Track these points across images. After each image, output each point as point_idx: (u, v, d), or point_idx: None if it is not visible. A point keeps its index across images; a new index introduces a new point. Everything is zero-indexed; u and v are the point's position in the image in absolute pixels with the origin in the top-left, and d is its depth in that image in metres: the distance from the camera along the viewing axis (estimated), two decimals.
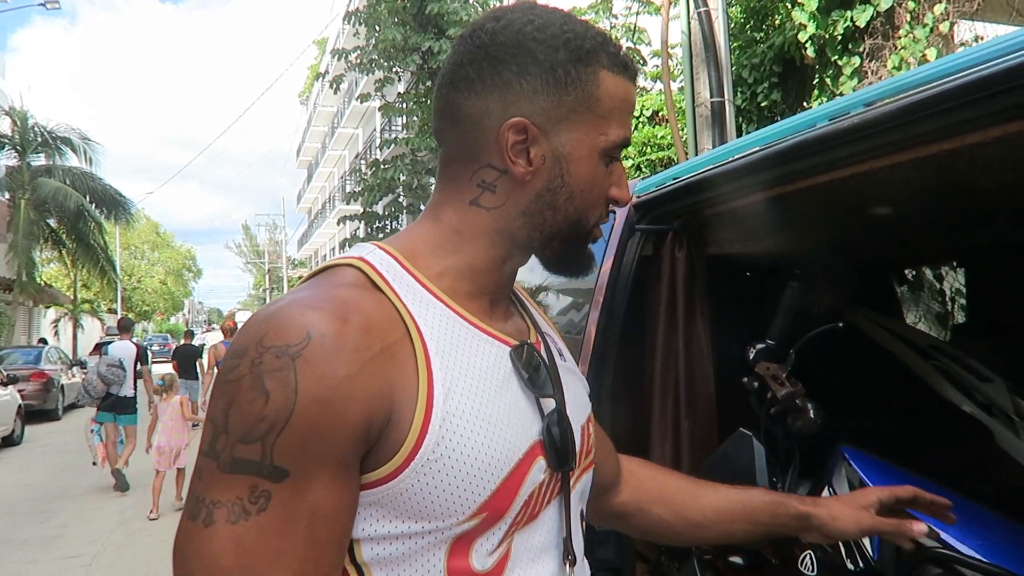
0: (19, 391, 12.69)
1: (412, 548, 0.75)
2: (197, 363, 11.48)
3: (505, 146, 0.82)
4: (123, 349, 7.92)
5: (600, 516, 1.16)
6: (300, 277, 0.84)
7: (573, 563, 0.86)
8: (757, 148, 1.57)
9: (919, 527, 1.09)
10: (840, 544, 1.41)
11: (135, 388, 8.26)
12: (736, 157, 1.62)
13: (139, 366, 8.27)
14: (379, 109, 15.73)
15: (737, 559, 1.70)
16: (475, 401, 0.77)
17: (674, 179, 1.82)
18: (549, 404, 0.85)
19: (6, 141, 22.74)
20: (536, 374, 0.85)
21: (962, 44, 5.62)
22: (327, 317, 0.72)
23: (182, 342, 9.97)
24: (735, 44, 7.05)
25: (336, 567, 0.73)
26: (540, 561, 0.83)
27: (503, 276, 0.90)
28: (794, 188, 1.57)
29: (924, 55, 5.48)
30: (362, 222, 16.05)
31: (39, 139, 23.06)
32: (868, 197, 1.78)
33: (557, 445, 0.83)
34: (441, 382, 0.75)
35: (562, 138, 0.83)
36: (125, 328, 8.63)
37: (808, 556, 1.46)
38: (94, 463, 8.20)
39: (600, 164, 0.85)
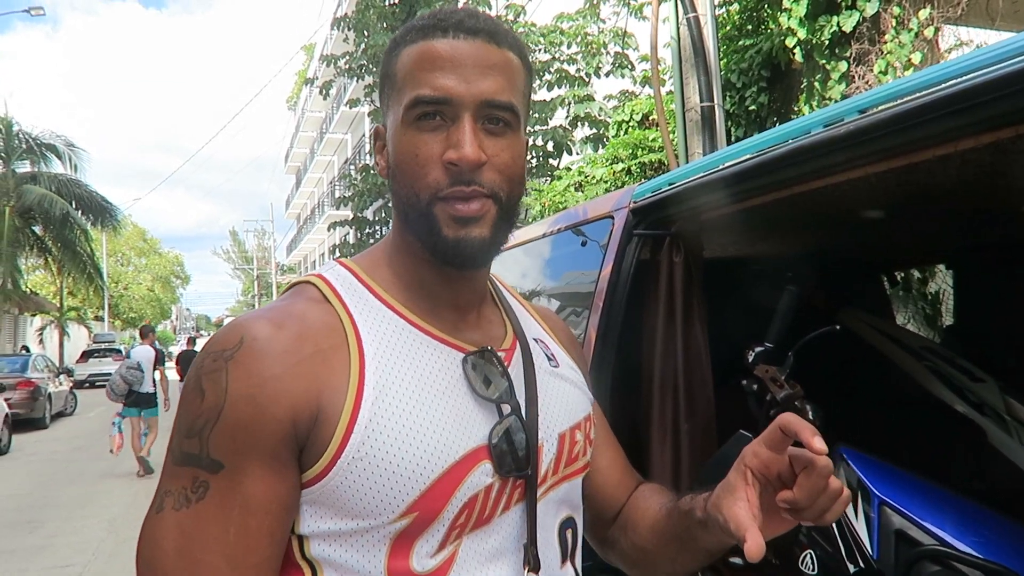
0: (5, 400, 12.59)
1: (353, 546, 0.79)
2: None
3: (374, 152, 0.91)
4: (143, 352, 9.08)
5: (596, 543, 1.11)
6: (289, 283, 0.88)
7: (537, 568, 0.85)
8: (753, 154, 1.59)
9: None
10: (840, 543, 1.43)
11: (154, 386, 9.35)
12: (732, 163, 1.64)
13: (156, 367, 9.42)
14: (368, 114, 15.76)
15: (737, 560, 1.72)
16: (409, 404, 0.79)
17: (670, 184, 1.85)
18: (505, 411, 0.85)
19: None
20: (496, 381, 0.86)
21: (949, 50, 5.69)
22: (262, 324, 0.79)
23: (185, 347, 10.51)
24: (723, 48, 7.11)
25: (270, 557, 0.77)
26: (493, 566, 0.83)
27: (448, 285, 0.90)
28: (789, 193, 1.60)
29: (910, 59, 5.54)
30: (352, 227, 16.03)
31: (24, 146, 22.90)
32: (861, 201, 1.81)
33: (506, 450, 0.83)
34: (372, 385, 0.79)
35: (387, 127, 0.88)
36: (145, 334, 9.76)
37: (808, 555, 1.48)
38: (111, 451, 9.59)
39: (408, 132, 0.83)
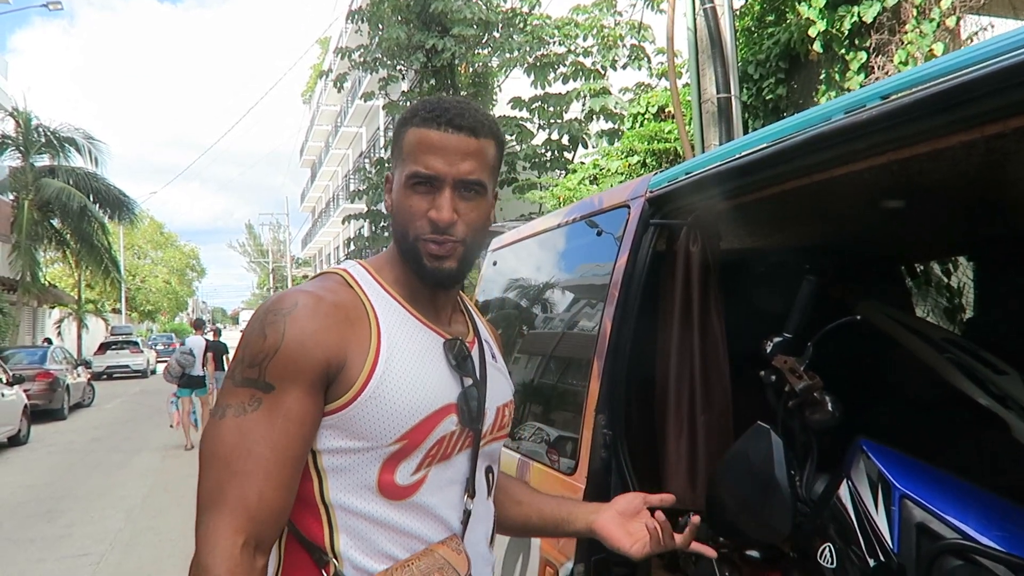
0: (25, 391, 12.69)
1: (357, 461, 1.10)
2: (224, 357, 12.09)
3: (384, 191, 1.27)
4: (195, 342, 11.06)
5: None
6: (305, 276, 1.15)
7: (472, 496, 1.21)
8: (772, 142, 1.56)
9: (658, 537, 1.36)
10: (860, 537, 1.41)
11: (204, 370, 11.09)
12: (750, 151, 1.62)
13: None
14: (383, 108, 15.74)
15: (754, 553, 1.70)
16: (408, 365, 1.13)
17: (687, 174, 1.82)
18: (468, 382, 1.20)
19: (10, 142, 22.77)
20: (463, 361, 1.20)
21: (970, 38, 5.60)
22: (309, 296, 1.12)
23: (211, 338, 11.99)
24: (741, 39, 7.04)
25: (300, 455, 1.08)
26: (448, 490, 1.18)
27: (429, 290, 1.22)
28: (809, 182, 1.57)
29: (931, 50, 5.46)
30: (367, 220, 16.07)
31: (42, 139, 23.07)
32: (882, 190, 1.78)
33: (466, 408, 1.17)
34: (386, 348, 1.12)
35: (393, 179, 1.22)
36: (198, 326, 11.90)
37: (827, 549, 1.46)
38: (171, 426, 11.35)
39: (406, 191, 1.17)
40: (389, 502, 1.12)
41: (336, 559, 1.10)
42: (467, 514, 1.20)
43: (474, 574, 1.19)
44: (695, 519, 1.38)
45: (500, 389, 1.30)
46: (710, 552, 1.43)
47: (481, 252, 1.28)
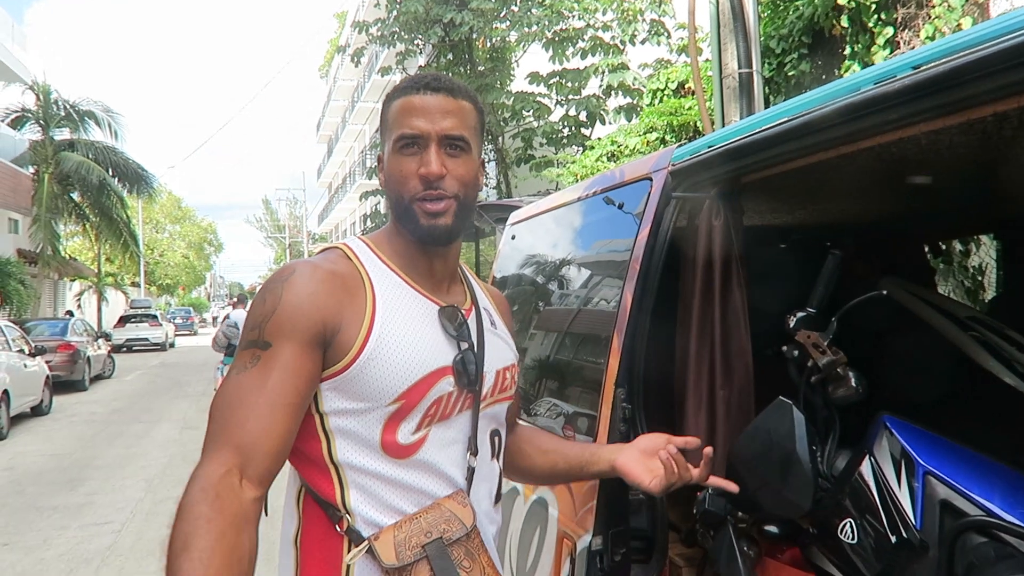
0: (47, 362, 12.87)
1: (359, 423, 1.18)
2: None
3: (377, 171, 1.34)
4: (239, 315, 11.21)
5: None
6: (321, 248, 1.22)
7: (476, 453, 1.27)
8: (799, 113, 1.54)
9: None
10: (882, 513, 1.40)
11: None
12: (777, 123, 1.59)
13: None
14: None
15: (772, 528, 1.70)
16: (403, 330, 1.20)
17: (709, 147, 1.80)
18: (464, 346, 1.26)
19: (29, 115, 22.90)
20: (459, 328, 1.26)
21: (1000, 14, 5.47)
22: (307, 265, 1.22)
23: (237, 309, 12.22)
24: (765, 14, 6.91)
25: (293, 404, 1.13)
26: (451, 448, 1.24)
27: (426, 260, 1.29)
28: (836, 154, 1.54)
29: (959, 24, 5.34)
30: (383, 196, 16.03)
31: (62, 113, 23.19)
32: (909, 164, 1.75)
33: (463, 371, 1.23)
34: (381, 314, 1.19)
35: (384, 154, 1.29)
36: (242, 300, 12.00)
37: (848, 524, 1.45)
38: (214, 389, 10.77)
39: (394, 157, 1.24)
40: (393, 460, 1.19)
41: (348, 515, 1.17)
42: (471, 471, 1.26)
43: (480, 528, 1.25)
44: (708, 451, 1.40)
45: (499, 353, 1.36)
46: (731, 487, 1.46)
47: (474, 213, 1.39)
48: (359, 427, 1.17)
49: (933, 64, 1.27)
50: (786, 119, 1.56)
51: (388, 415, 1.17)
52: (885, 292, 1.57)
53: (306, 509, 1.21)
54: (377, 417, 1.17)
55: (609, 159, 9.10)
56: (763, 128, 1.62)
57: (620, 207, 2.06)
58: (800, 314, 1.58)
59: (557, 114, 13.93)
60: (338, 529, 1.17)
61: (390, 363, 1.16)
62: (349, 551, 1.16)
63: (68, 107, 23.28)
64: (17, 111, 23.03)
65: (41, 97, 22.78)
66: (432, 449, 1.21)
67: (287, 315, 1.14)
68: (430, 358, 1.21)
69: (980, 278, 4.38)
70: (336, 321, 1.16)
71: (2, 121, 22.64)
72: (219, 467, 1.06)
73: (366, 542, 1.15)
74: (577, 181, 9.14)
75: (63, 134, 23.64)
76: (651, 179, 1.95)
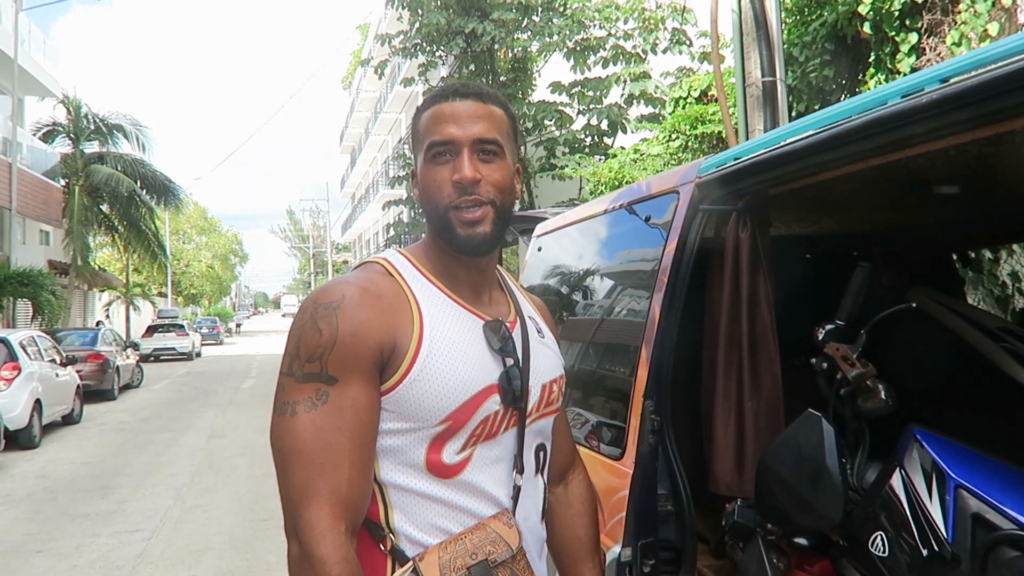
0: (77, 371, 13.06)
1: (405, 441, 1.15)
2: None
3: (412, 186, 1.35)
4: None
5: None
6: (344, 261, 1.22)
7: (521, 471, 1.24)
8: (825, 126, 1.54)
9: None
10: (912, 526, 1.39)
11: None
12: (803, 136, 1.60)
13: None
14: (423, 94, 15.77)
15: (802, 540, 1.69)
16: (449, 349, 1.16)
17: (736, 159, 1.81)
18: (509, 363, 1.21)
19: (60, 129, 23.34)
20: (504, 342, 1.21)
21: None
22: (355, 287, 1.16)
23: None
24: (786, 21, 6.89)
25: (370, 441, 1.12)
26: (496, 467, 1.22)
27: (467, 272, 1.25)
28: (863, 167, 1.55)
29: (986, 30, 5.29)
30: (406, 206, 16.15)
31: (91, 126, 23.62)
32: (937, 175, 1.75)
33: (508, 388, 1.19)
34: (428, 332, 1.16)
35: (416, 167, 1.25)
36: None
37: (879, 537, 1.45)
38: None
39: (428, 167, 1.20)
40: (437, 480, 1.16)
41: (392, 534, 1.16)
42: (516, 490, 1.24)
43: (525, 548, 1.24)
44: None
45: (547, 365, 1.33)
46: None
47: (512, 219, 1.30)
48: (404, 446, 1.15)
49: (962, 77, 1.28)
50: (813, 132, 1.57)
51: (434, 435, 1.15)
52: (915, 304, 1.56)
53: None
54: (423, 437, 1.15)
55: (632, 165, 9.09)
56: (790, 141, 1.63)
57: (647, 220, 2.08)
58: (829, 326, 1.58)
59: (579, 123, 13.95)
60: (382, 548, 1.16)
61: (437, 383, 1.14)
62: (393, 571, 1.15)
63: (98, 121, 23.70)
64: (49, 125, 23.48)
65: (72, 111, 23.21)
66: (477, 468, 1.19)
67: (348, 346, 1.10)
68: (477, 376, 1.17)
69: (1012, 287, 4.33)
70: (390, 344, 1.13)
71: (34, 135, 23.09)
72: (339, 525, 1.07)
73: (411, 562, 1.14)
74: (599, 184, 9.15)
75: (93, 147, 24.06)
76: (678, 192, 1.96)
